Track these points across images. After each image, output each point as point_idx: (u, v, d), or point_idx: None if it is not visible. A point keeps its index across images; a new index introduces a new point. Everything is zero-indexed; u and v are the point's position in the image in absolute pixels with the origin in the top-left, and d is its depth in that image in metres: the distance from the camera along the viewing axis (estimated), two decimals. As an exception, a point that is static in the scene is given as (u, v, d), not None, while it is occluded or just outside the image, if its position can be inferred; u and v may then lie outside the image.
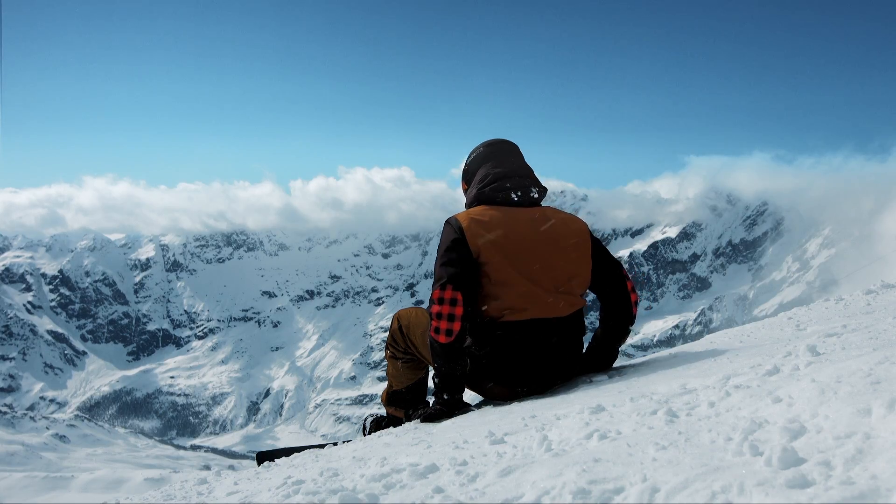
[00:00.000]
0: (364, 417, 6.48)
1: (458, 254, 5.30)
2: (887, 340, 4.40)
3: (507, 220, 5.43)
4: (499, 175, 5.68)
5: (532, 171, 5.87)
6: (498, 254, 5.32)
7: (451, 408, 5.47)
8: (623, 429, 3.26)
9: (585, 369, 5.94)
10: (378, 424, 6.39)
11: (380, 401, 6.54)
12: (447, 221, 5.57)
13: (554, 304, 5.41)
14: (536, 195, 5.69)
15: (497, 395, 5.59)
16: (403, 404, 6.25)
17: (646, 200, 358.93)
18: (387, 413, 6.35)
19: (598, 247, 5.72)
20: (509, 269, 5.34)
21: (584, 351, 5.92)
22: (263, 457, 6.17)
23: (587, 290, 5.81)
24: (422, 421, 5.48)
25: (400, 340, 6.15)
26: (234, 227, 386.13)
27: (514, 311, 5.33)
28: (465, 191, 6.04)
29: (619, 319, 5.92)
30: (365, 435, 6.17)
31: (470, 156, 6.10)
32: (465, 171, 6.07)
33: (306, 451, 6.00)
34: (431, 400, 5.85)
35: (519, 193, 5.59)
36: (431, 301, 5.36)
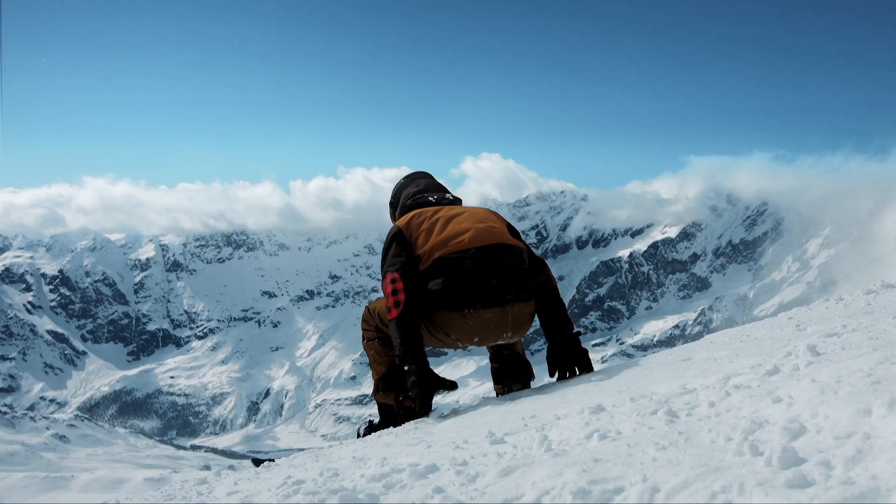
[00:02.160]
0: (358, 427, 6.58)
1: (397, 247, 6.02)
2: (887, 340, 4.40)
3: (429, 210, 6.21)
4: (418, 191, 6.69)
5: (447, 188, 6.85)
6: (422, 223, 6.05)
7: (422, 380, 5.78)
8: (623, 429, 3.26)
9: (548, 331, 6.31)
10: (372, 429, 6.45)
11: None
12: (390, 231, 6.22)
13: (483, 236, 5.93)
14: (451, 198, 6.62)
15: (450, 325, 5.87)
16: (392, 386, 6.31)
17: (646, 200, 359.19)
18: (378, 405, 6.47)
19: (517, 232, 6.41)
20: (431, 226, 6.01)
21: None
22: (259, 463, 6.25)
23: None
24: (413, 395, 5.81)
25: (370, 319, 6.57)
26: (234, 227, 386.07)
27: (443, 247, 5.87)
28: (394, 218, 6.93)
29: (546, 292, 6.26)
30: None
31: (392, 192, 7.08)
32: (391, 204, 7.02)
33: (307, 451, 6.03)
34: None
35: (435, 197, 6.53)
36: (385, 299, 5.99)
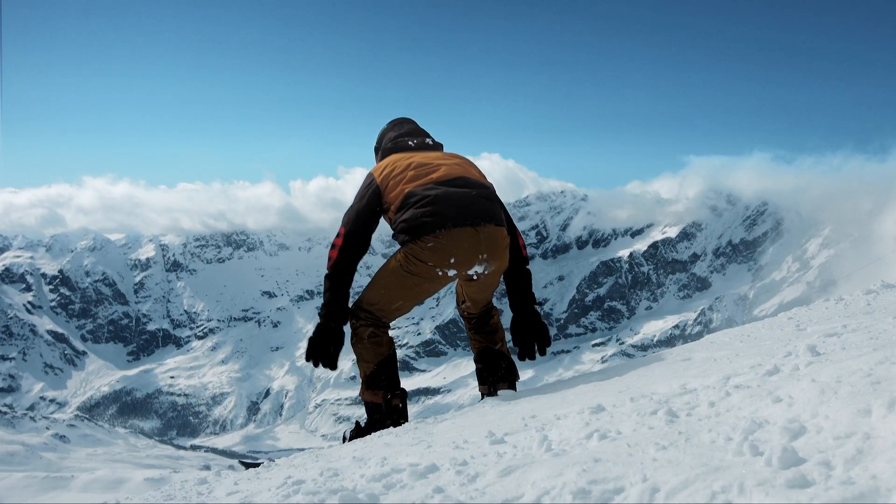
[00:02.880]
0: (344, 431, 6.57)
1: (366, 196, 6.19)
2: (887, 340, 4.41)
3: (404, 154, 6.38)
4: (399, 134, 6.78)
5: (428, 133, 6.91)
6: (394, 168, 6.18)
7: (323, 336, 6.18)
8: (623, 429, 3.26)
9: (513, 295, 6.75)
10: (359, 432, 6.40)
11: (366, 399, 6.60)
12: (366, 176, 6.40)
13: (459, 167, 6.26)
14: (431, 143, 6.75)
15: (425, 251, 5.90)
16: (379, 384, 6.33)
17: (646, 200, 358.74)
18: (365, 405, 6.43)
19: (494, 190, 6.51)
20: (403, 170, 6.15)
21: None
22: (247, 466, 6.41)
23: None
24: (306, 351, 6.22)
25: (356, 311, 6.41)
26: (234, 227, 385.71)
27: (414, 181, 6.05)
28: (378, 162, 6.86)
29: (515, 257, 6.61)
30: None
31: (377, 137, 7.16)
32: (375, 149, 7.11)
33: (307, 451, 6.04)
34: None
35: (415, 141, 6.66)
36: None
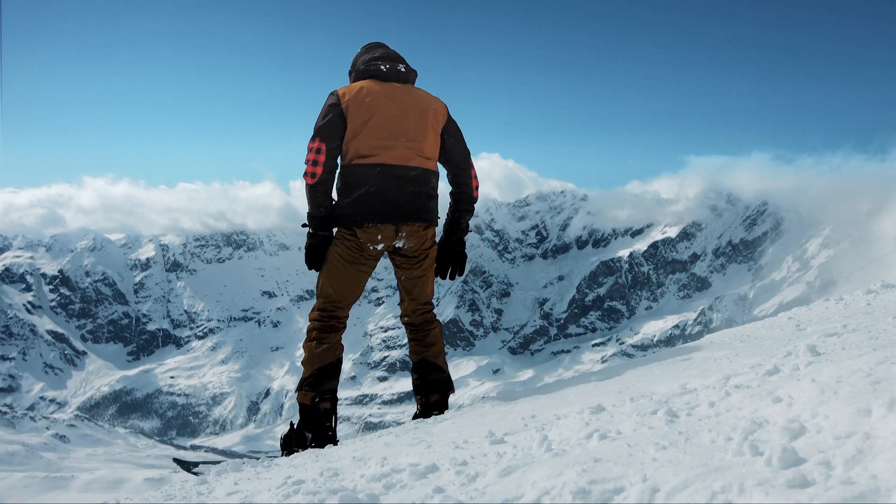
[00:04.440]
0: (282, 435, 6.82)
1: (330, 115, 6.45)
2: (887, 340, 4.41)
3: (373, 85, 6.59)
4: (373, 58, 6.84)
5: (403, 58, 7.00)
6: (358, 109, 6.44)
7: (317, 244, 6.66)
8: (623, 429, 3.27)
9: (442, 250, 7.13)
10: (292, 431, 6.70)
11: (332, 399, 6.80)
12: (330, 93, 6.62)
13: (399, 154, 6.49)
14: (404, 69, 6.83)
15: (358, 238, 6.52)
16: (312, 388, 6.60)
17: (646, 200, 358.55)
18: (299, 405, 6.69)
19: (453, 126, 7.01)
20: (364, 122, 6.44)
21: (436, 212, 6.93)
22: (184, 465, 6.51)
23: (436, 160, 6.91)
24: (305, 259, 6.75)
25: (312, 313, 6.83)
26: (235, 226, 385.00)
27: (361, 156, 6.43)
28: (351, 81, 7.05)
29: (460, 190, 7.07)
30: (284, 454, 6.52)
31: (351, 61, 7.19)
32: (349, 72, 7.12)
33: (306, 451, 6.08)
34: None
35: (387, 66, 6.74)
36: (306, 155, 6.53)
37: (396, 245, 6.63)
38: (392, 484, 3.18)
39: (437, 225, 6.91)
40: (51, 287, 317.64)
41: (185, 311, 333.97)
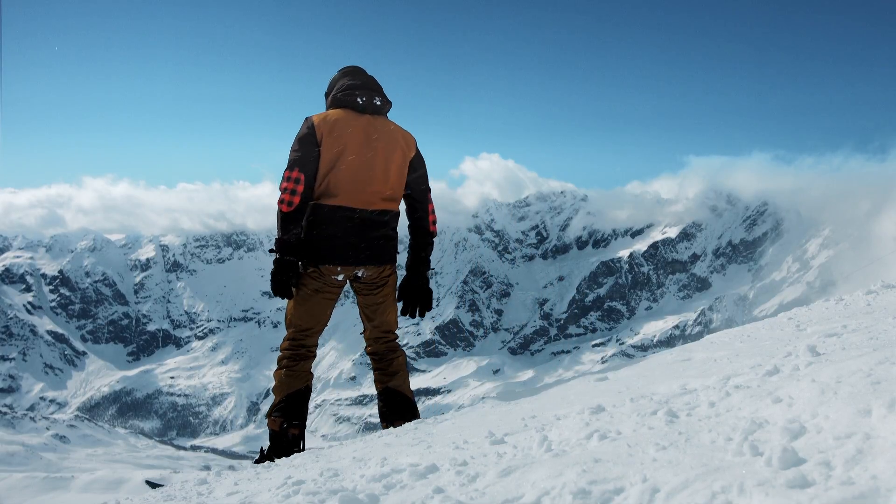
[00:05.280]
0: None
1: (306, 144, 6.61)
2: (887, 341, 4.41)
3: (348, 118, 6.73)
4: (350, 85, 6.94)
5: (381, 88, 7.12)
6: (331, 141, 6.60)
7: (282, 269, 6.72)
8: (623, 429, 3.27)
9: (405, 282, 7.33)
10: (262, 456, 6.88)
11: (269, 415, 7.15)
12: (305, 119, 6.77)
13: (363, 197, 6.70)
14: (379, 103, 6.96)
15: (317, 274, 6.79)
16: (281, 414, 6.89)
17: (645, 201, 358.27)
18: (269, 431, 6.94)
19: (419, 160, 7.20)
20: (335, 158, 6.62)
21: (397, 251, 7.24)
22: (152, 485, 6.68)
23: (400, 199, 7.17)
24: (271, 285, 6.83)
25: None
26: (235, 227, 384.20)
27: (327, 196, 6.64)
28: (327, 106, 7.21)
29: (418, 227, 7.31)
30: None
31: (328, 83, 7.34)
32: (325, 94, 7.30)
33: (306, 451, 6.15)
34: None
35: (364, 98, 6.86)
36: (281, 182, 6.75)
37: (357, 274, 6.90)
38: (392, 484, 3.18)
39: (395, 262, 7.19)
40: (51, 287, 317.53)
41: (186, 311, 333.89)
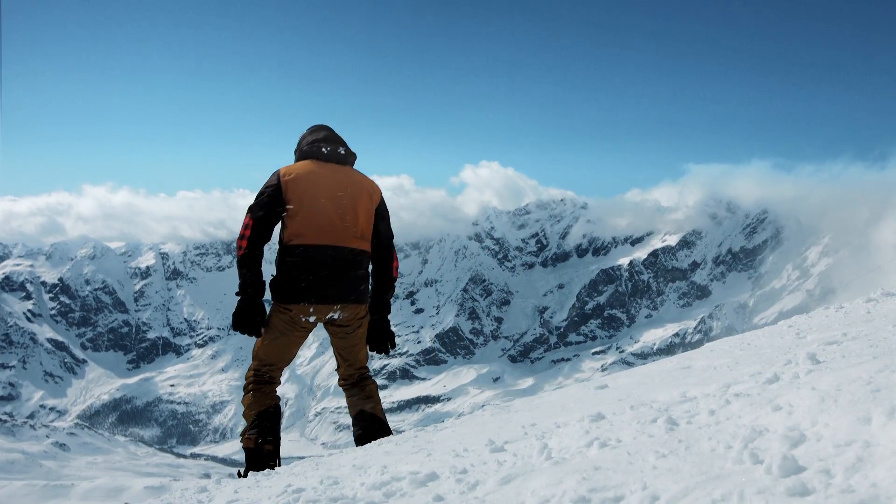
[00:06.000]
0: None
1: (267, 194, 6.96)
2: (887, 348, 4.42)
3: (314, 166, 7.14)
4: (315, 139, 7.38)
5: (344, 141, 7.56)
6: (298, 190, 6.92)
7: (243, 307, 7.06)
8: (623, 437, 3.27)
9: (373, 319, 7.55)
10: (240, 476, 6.82)
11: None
12: (273, 172, 7.13)
13: (336, 235, 6.94)
14: (344, 153, 7.36)
15: (291, 310, 6.97)
16: (256, 431, 7.01)
17: (645, 208, 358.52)
18: (245, 449, 7.01)
19: (384, 208, 7.49)
20: (302, 203, 6.91)
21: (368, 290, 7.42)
22: None
23: (369, 241, 7.32)
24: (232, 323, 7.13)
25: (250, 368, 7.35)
26: (234, 235, 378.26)
27: (299, 236, 6.90)
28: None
29: (382, 276, 7.52)
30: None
31: (297, 141, 7.71)
32: (295, 151, 7.65)
33: (307, 459, 6.17)
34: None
35: (328, 148, 7.27)
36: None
37: (333, 317, 7.11)
38: (392, 492, 3.18)
39: (367, 303, 7.40)
40: (51, 295, 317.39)
41: (185, 319, 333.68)
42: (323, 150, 7.25)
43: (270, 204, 6.95)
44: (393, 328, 7.51)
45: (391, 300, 7.69)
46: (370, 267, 7.43)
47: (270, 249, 7.24)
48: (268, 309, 7.08)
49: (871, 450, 2.31)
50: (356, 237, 7.10)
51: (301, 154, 7.41)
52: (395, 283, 7.72)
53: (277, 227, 7.23)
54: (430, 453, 4.15)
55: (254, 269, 7.11)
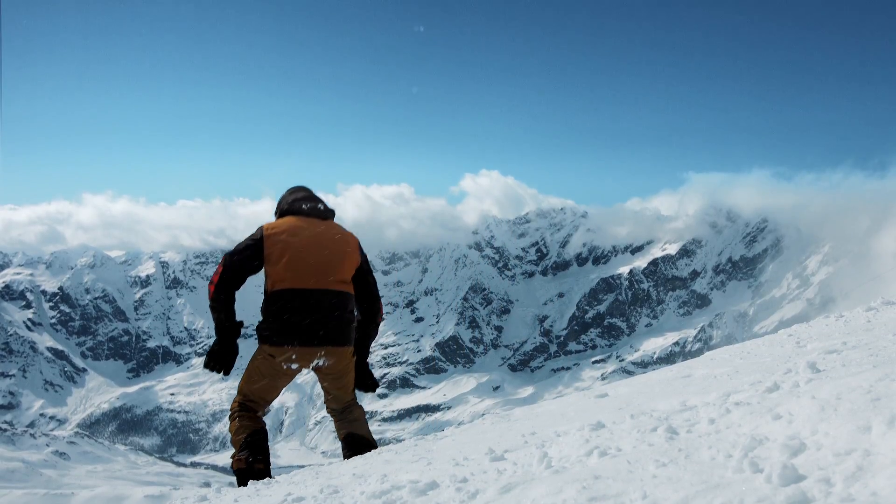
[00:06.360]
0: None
1: (246, 247, 7.17)
2: (887, 357, 4.42)
3: (295, 220, 7.35)
4: (295, 199, 7.69)
5: (322, 200, 7.82)
6: (278, 241, 7.07)
7: (213, 351, 7.29)
8: (623, 445, 3.27)
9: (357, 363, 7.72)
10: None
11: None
12: (258, 227, 7.32)
13: (320, 279, 7.09)
14: (323, 208, 7.61)
15: (275, 356, 7.06)
16: (246, 452, 7.12)
17: (645, 217, 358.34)
18: (235, 471, 7.15)
19: (366, 260, 7.70)
20: (284, 251, 7.04)
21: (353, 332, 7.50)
22: None
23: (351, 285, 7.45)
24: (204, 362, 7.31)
25: (236, 397, 7.56)
26: (234, 243, 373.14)
27: (282, 281, 7.02)
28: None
29: (369, 320, 7.72)
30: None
31: (277, 202, 8.04)
32: (275, 213, 7.93)
33: (307, 468, 6.20)
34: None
35: (308, 205, 7.52)
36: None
37: (317, 363, 7.18)
38: (392, 501, 3.18)
39: (353, 344, 7.49)
40: (51, 304, 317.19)
41: (185, 328, 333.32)
42: (303, 206, 7.50)
43: (247, 252, 7.16)
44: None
45: (372, 345, 7.93)
46: (355, 311, 7.56)
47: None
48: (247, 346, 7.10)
49: (872, 459, 2.32)
50: (340, 281, 7.27)
51: (282, 213, 7.67)
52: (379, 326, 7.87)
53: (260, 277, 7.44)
54: (430, 462, 4.15)
55: (225, 312, 7.25)
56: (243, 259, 7.13)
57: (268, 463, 7.08)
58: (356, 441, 7.46)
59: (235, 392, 7.53)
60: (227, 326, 7.23)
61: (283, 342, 6.92)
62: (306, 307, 6.95)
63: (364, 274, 7.56)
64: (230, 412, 7.45)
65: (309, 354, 7.01)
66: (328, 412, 7.87)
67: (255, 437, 7.15)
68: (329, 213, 7.67)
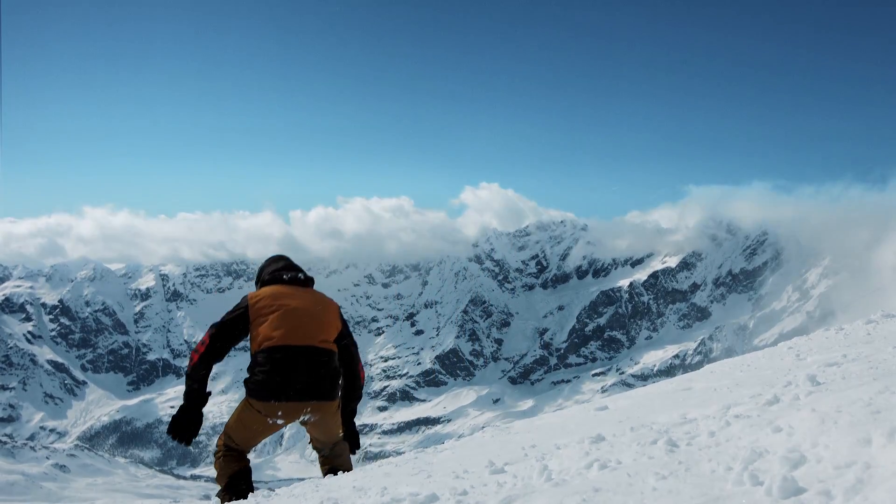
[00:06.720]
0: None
1: (233, 317, 7.46)
2: (887, 370, 4.42)
3: (278, 288, 7.65)
4: (275, 268, 8.03)
5: (300, 269, 8.13)
6: (263, 308, 7.36)
7: (177, 419, 7.26)
8: (623, 458, 3.27)
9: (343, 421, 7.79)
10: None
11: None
12: (243, 297, 7.66)
13: (303, 336, 7.24)
14: (302, 277, 7.92)
15: (261, 412, 7.12)
16: (231, 490, 7.35)
17: (645, 230, 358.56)
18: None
19: (346, 324, 7.85)
20: (269, 315, 7.31)
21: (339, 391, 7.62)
22: None
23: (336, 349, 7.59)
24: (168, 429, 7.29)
25: (220, 440, 7.61)
26: (234, 256, 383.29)
27: (269, 339, 7.17)
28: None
29: (351, 382, 7.82)
30: None
31: (258, 270, 8.40)
32: (255, 281, 8.30)
33: (307, 481, 6.22)
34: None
35: (289, 274, 7.85)
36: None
37: (304, 419, 7.26)
38: (392, 514, 3.18)
39: (338, 398, 7.59)
40: (51, 317, 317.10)
41: (186, 340, 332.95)
42: (284, 276, 7.81)
43: (234, 323, 7.41)
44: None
45: (357, 406, 8.02)
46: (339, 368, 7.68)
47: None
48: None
49: (872, 471, 2.32)
50: (322, 340, 7.38)
51: (263, 283, 7.97)
52: (362, 392, 8.03)
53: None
54: (430, 475, 4.16)
55: (199, 382, 7.36)
56: (230, 329, 7.37)
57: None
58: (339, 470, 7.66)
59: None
60: (197, 396, 7.32)
61: (270, 397, 7.01)
62: (293, 363, 7.09)
63: (344, 337, 7.71)
64: (216, 449, 7.59)
65: (295, 410, 7.10)
66: (313, 448, 8.02)
67: (239, 477, 7.38)
68: (309, 282, 7.97)
